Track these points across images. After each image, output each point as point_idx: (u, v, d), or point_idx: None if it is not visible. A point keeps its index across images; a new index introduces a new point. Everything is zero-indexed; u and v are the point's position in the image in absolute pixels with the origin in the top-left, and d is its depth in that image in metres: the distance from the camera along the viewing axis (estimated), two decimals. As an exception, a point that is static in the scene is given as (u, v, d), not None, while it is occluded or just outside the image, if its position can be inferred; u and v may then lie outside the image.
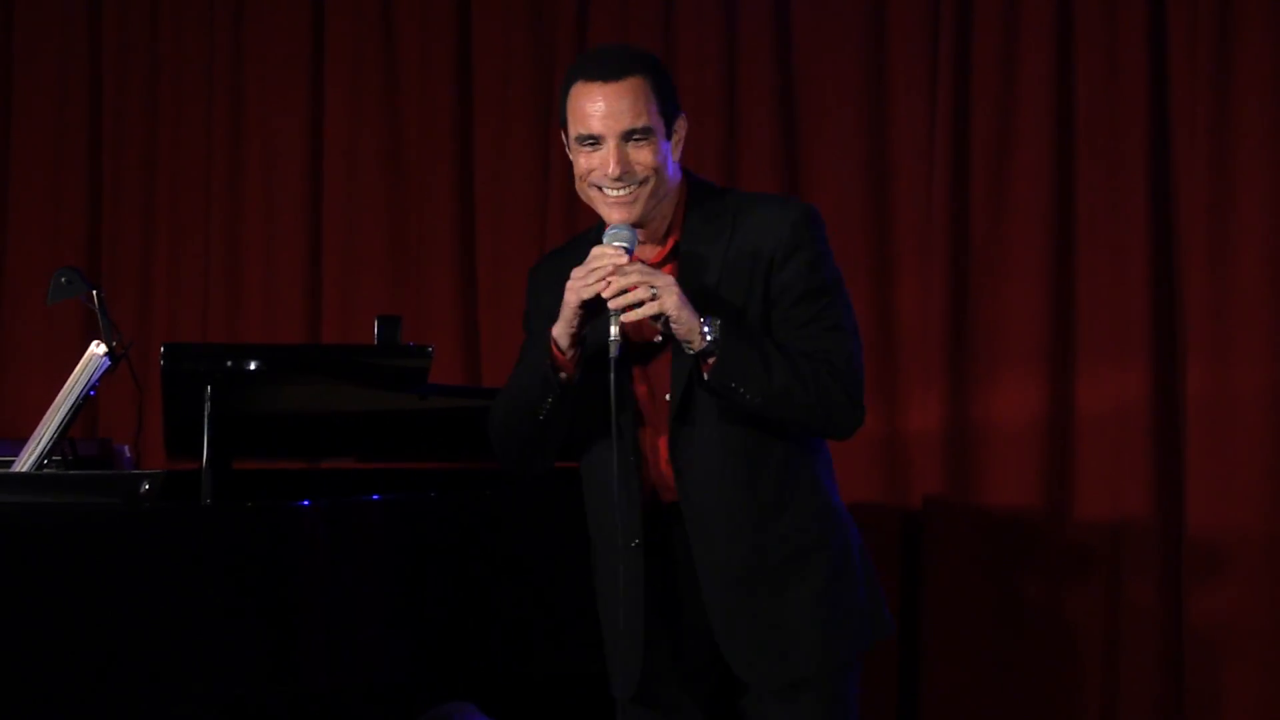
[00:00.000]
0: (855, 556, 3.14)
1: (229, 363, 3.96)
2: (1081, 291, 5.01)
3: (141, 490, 3.62)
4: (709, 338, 2.93)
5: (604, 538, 3.13)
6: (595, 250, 2.97)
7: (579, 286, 2.95)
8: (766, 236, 3.04)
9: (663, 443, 3.07)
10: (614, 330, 2.91)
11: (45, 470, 3.88)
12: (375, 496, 3.99)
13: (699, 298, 2.98)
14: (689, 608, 3.09)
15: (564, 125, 3.09)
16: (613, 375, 2.92)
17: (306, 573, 3.69)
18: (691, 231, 3.08)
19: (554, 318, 3.02)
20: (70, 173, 5.98)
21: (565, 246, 3.25)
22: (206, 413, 3.89)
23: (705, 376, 2.96)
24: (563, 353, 3.00)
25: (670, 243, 3.09)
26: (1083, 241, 5.02)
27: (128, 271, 5.92)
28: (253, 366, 3.98)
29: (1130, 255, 4.95)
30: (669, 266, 3.06)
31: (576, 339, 2.98)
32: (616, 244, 2.96)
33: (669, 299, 2.91)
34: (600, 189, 3.03)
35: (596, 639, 3.21)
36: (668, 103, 3.06)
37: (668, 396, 3.05)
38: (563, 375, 3.00)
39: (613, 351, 2.91)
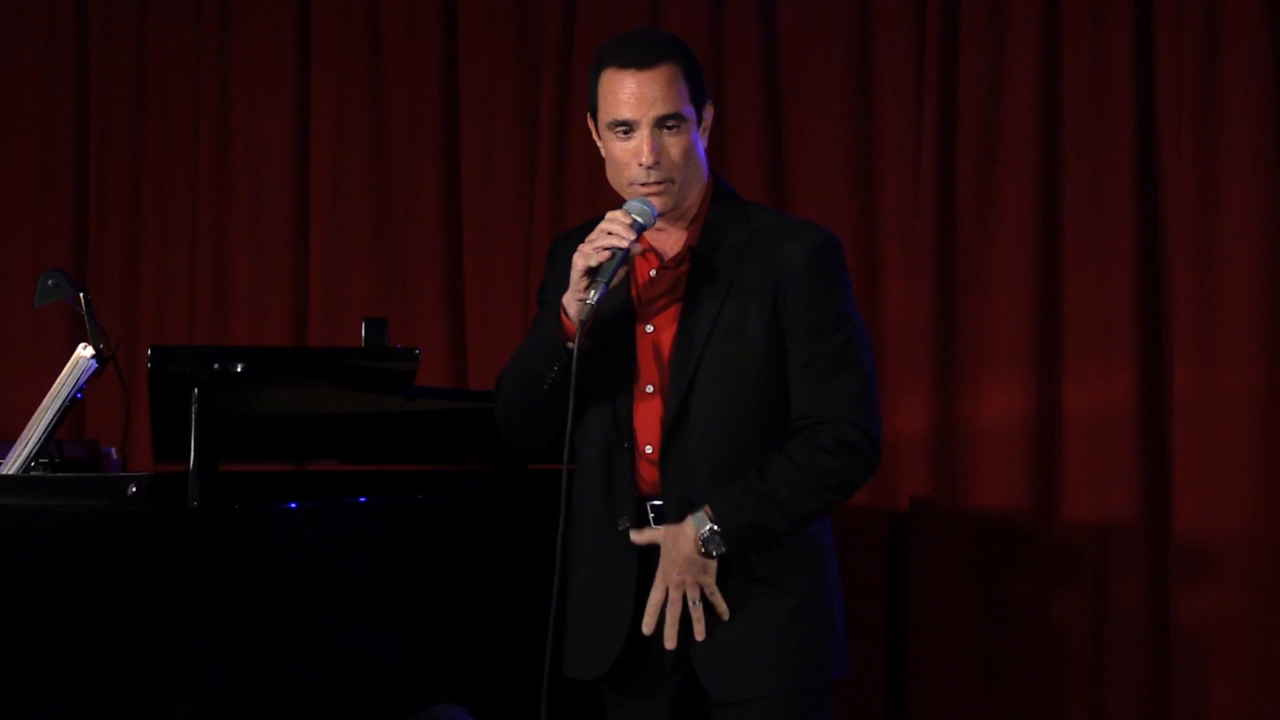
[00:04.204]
0: (831, 591, 3.11)
1: (216, 365, 3.96)
2: (1068, 293, 5.02)
3: (129, 492, 3.62)
4: (716, 551, 2.99)
5: (590, 517, 3.10)
6: (610, 215, 2.98)
7: (588, 251, 2.96)
8: (782, 259, 3.03)
9: (650, 438, 3.06)
10: (593, 294, 2.93)
11: (32, 472, 3.87)
12: (362, 499, 3.99)
13: (705, 307, 3.01)
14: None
15: (592, 111, 3.08)
16: (577, 339, 2.94)
17: (293, 575, 3.69)
18: (709, 235, 3.07)
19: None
20: (56, 175, 5.97)
21: (586, 224, 3.20)
22: (193, 415, 3.89)
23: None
24: (570, 320, 2.99)
25: (685, 241, 3.07)
26: (1069, 243, 5.02)
27: (114, 274, 5.91)
28: (239, 369, 3.98)
29: (1116, 256, 4.95)
30: (684, 266, 3.06)
31: (585, 306, 2.95)
32: (634, 216, 2.97)
33: (674, 574, 3.00)
34: (632, 184, 3.02)
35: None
36: (698, 90, 3.05)
37: (649, 388, 3.05)
38: (569, 344, 2.98)
39: (583, 314, 2.93)
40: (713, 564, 3.00)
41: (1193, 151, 4.87)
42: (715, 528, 2.98)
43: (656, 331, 3.06)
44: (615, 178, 3.07)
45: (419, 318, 5.59)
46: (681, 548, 3.00)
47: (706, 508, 2.99)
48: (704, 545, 2.99)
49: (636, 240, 2.98)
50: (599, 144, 3.10)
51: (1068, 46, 5.03)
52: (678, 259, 3.07)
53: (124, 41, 5.92)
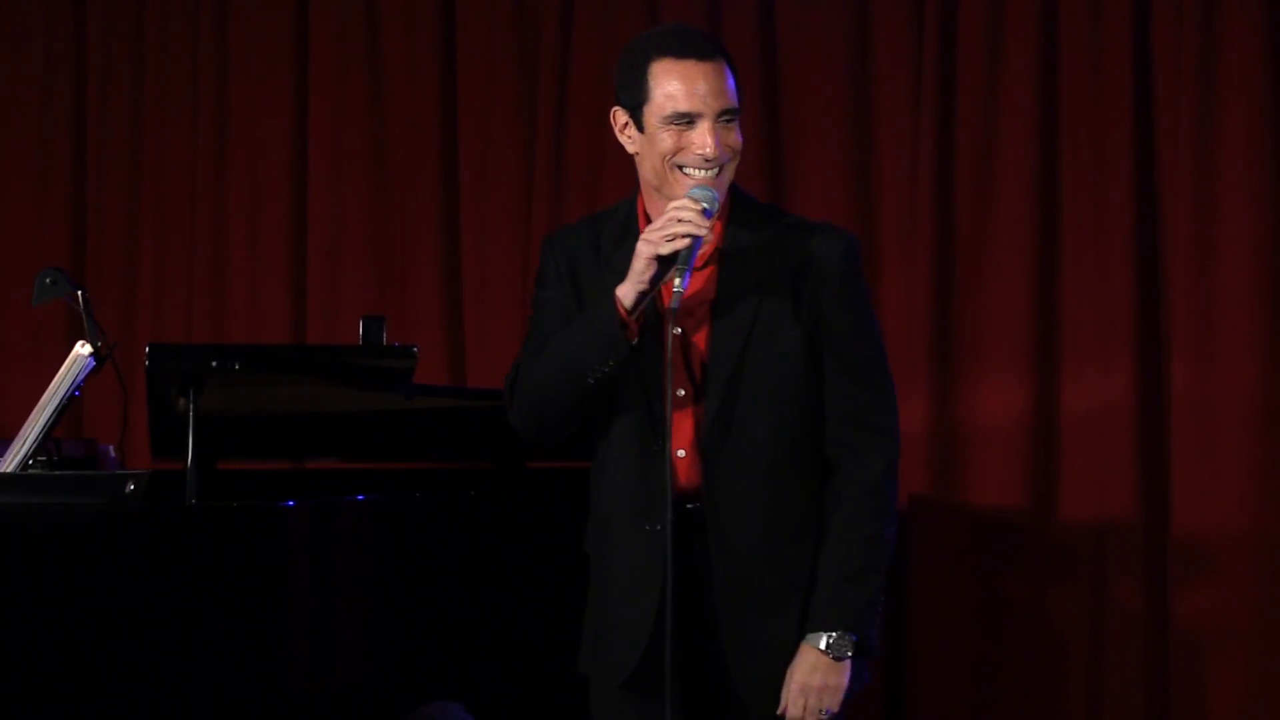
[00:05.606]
0: None
1: (214, 363, 3.96)
2: (1066, 291, 5.02)
3: (126, 490, 3.62)
4: (849, 651, 3.00)
5: (621, 518, 3.05)
6: (674, 205, 2.91)
7: (657, 239, 2.90)
8: (813, 262, 3.01)
9: (682, 442, 3.02)
10: (679, 281, 2.87)
11: (30, 471, 3.87)
12: (360, 497, 3.99)
13: (739, 311, 2.98)
14: (692, 603, 3.00)
15: (634, 104, 2.99)
16: (667, 326, 2.89)
17: (291, 573, 3.69)
18: (735, 236, 3.02)
19: (580, 284, 3.02)
20: (55, 173, 5.96)
21: (583, 221, 3.17)
22: (191, 413, 3.89)
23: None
24: (629, 312, 2.93)
25: (712, 243, 3.03)
26: (1067, 241, 5.03)
27: (112, 272, 5.90)
28: (237, 367, 3.98)
29: (1115, 255, 4.96)
30: (711, 268, 3.02)
31: (675, 294, 2.88)
32: (703, 204, 2.91)
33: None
34: (682, 169, 2.96)
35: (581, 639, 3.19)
36: (738, 87, 3.02)
37: (680, 392, 3.00)
38: (632, 338, 2.94)
39: (673, 303, 2.87)
40: (841, 664, 3.00)
41: (1191, 150, 4.87)
42: (833, 634, 2.99)
43: (686, 334, 3.01)
44: (655, 167, 2.99)
45: (417, 316, 5.59)
46: (814, 681, 3.00)
47: (817, 619, 2.99)
48: (834, 652, 2.99)
49: (709, 227, 2.91)
50: (625, 135, 3.03)
51: (1066, 45, 5.03)
52: (705, 261, 3.03)
53: (122, 42, 5.91)
